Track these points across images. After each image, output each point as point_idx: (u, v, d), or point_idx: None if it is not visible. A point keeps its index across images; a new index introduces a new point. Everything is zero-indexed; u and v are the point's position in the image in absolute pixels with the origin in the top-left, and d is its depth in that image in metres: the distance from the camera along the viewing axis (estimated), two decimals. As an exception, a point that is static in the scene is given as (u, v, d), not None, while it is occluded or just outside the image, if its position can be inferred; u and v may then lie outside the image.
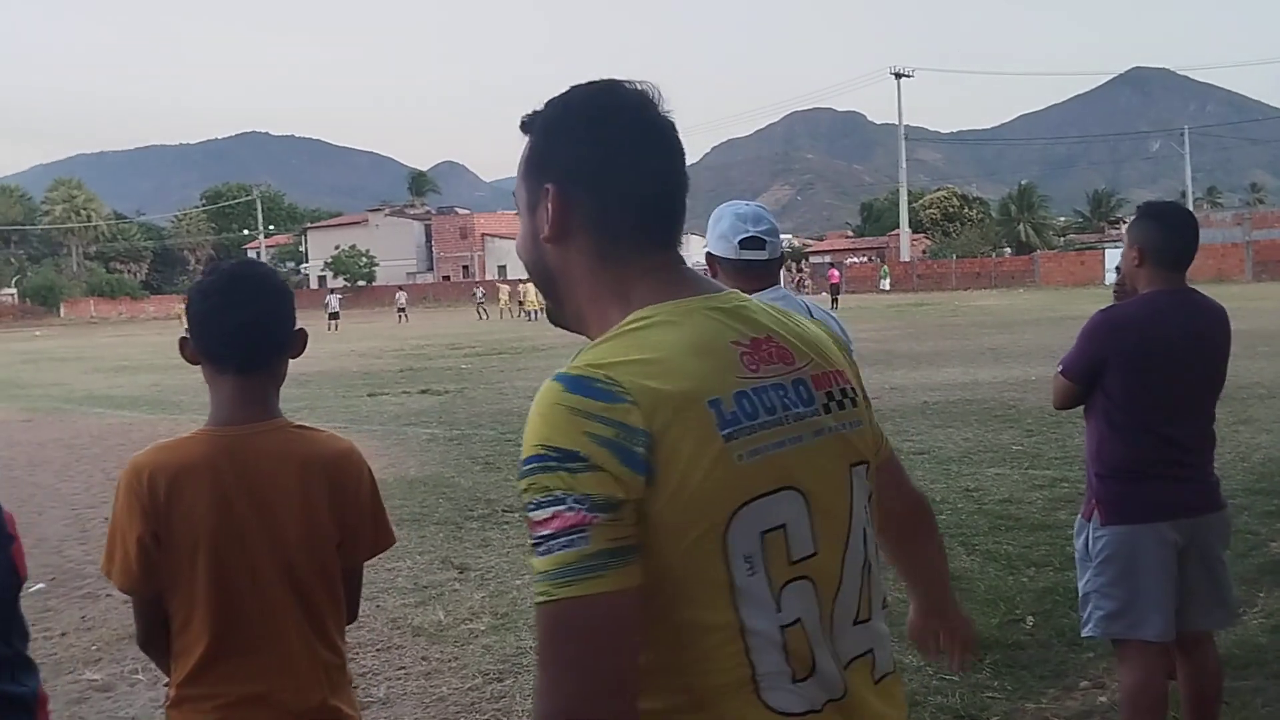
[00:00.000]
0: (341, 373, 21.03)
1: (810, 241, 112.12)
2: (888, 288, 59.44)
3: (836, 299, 44.34)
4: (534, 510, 1.21)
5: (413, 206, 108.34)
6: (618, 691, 1.18)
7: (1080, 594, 3.38)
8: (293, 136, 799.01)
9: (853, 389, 1.42)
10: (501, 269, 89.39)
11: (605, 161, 1.35)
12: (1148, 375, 3.19)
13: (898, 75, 68.03)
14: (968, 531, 6.73)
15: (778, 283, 2.99)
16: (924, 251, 76.95)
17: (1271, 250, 51.49)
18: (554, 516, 1.18)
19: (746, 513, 1.25)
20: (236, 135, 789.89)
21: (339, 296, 45.83)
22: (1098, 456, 3.32)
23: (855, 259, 74.91)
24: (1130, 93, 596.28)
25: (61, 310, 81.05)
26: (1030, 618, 5.10)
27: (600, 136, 1.36)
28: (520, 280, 47.06)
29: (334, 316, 42.22)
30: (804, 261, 75.65)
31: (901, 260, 66.92)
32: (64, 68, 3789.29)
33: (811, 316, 2.71)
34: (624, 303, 1.35)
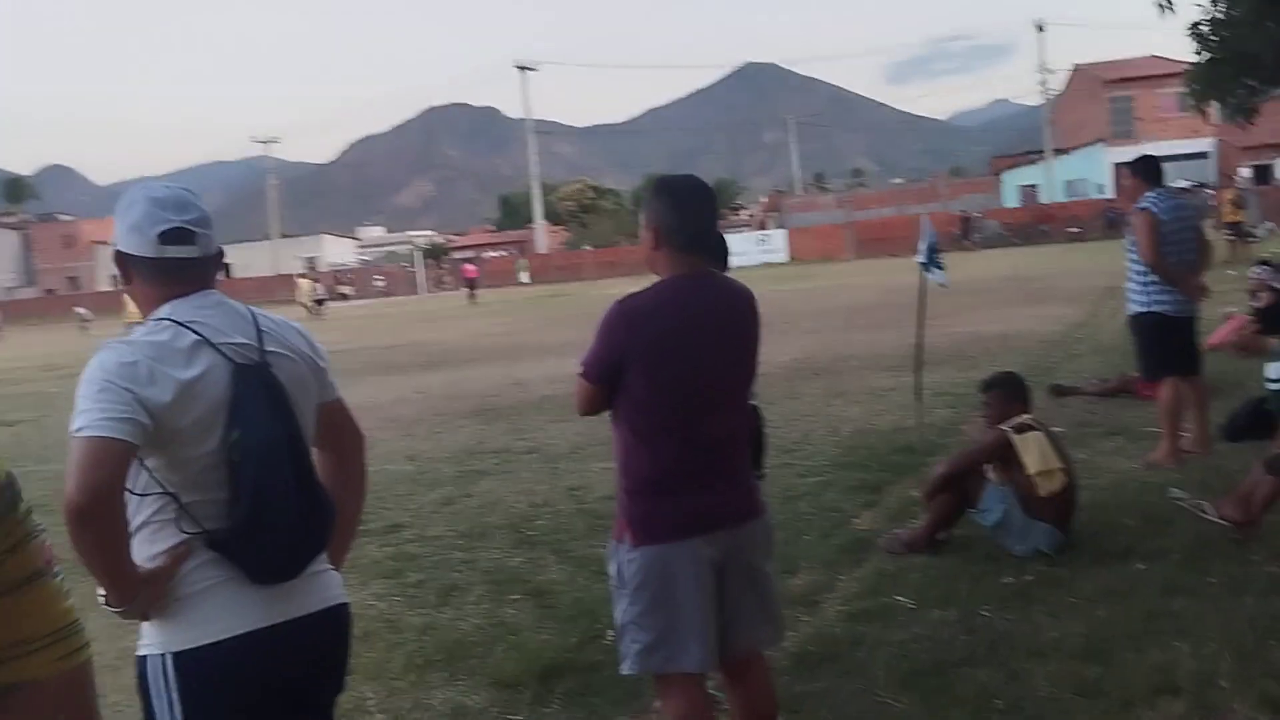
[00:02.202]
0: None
1: (453, 237, 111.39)
2: (527, 280, 59.63)
3: (474, 293, 43.84)
4: None
5: (10, 214, 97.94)
6: None
7: (617, 625, 2.96)
8: None
9: None
10: (115, 278, 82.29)
11: None
12: (668, 371, 2.81)
13: (523, 69, 68.41)
14: (564, 536, 6.36)
15: (211, 286, 2.31)
16: (562, 243, 78.17)
17: (870, 229, 55.95)
18: None
19: None
20: None
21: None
22: (625, 469, 2.91)
23: (495, 253, 74.82)
24: (745, 87, 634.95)
25: None
26: (611, 631, 4.73)
27: None
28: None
29: None
30: (444, 258, 74.70)
31: (538, 252, 67.47)
32: None
33: (255, 318, 2.31)
34: None
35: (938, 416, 8.84)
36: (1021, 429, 5.42)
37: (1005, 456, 5.41)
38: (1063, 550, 5.20)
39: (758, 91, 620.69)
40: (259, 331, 2.27)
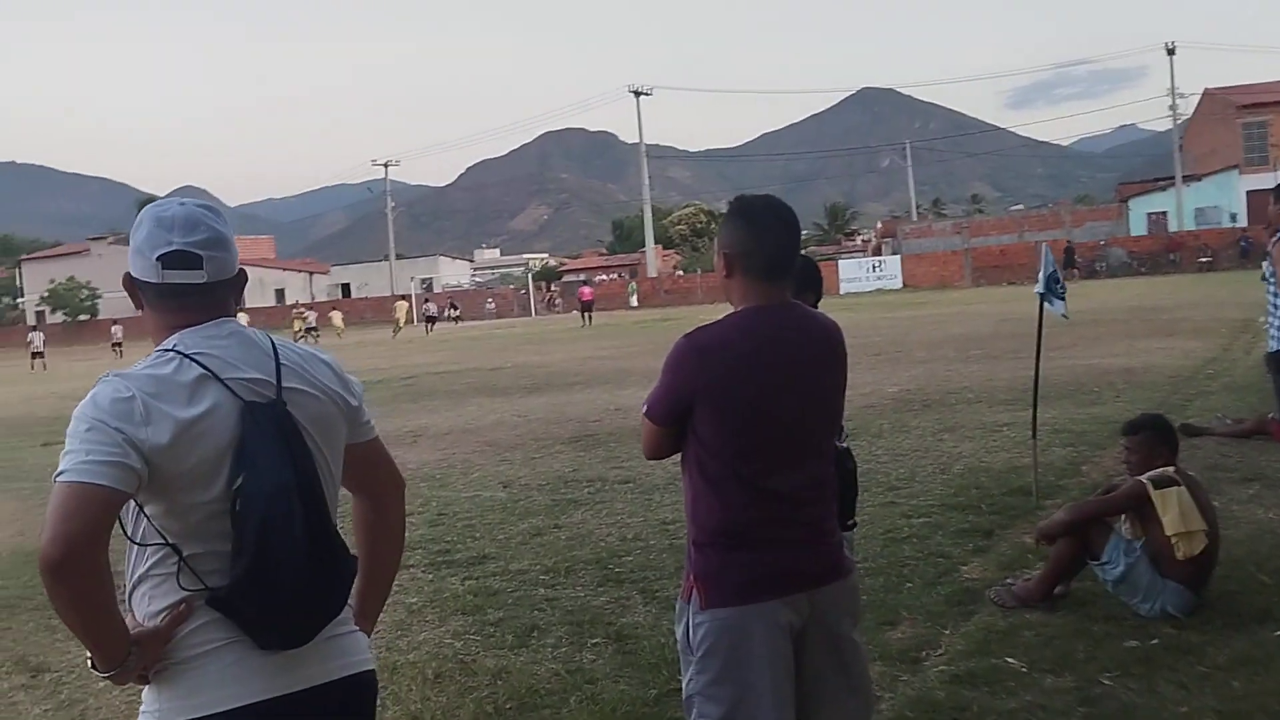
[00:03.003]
0: (25, 418, 18.85)
1: (566, 260, 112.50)
2: (636, 304, 59.73)
3: (588, 316, 43.89)
4: None
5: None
6: None
7: (684, 695, 2.66)
8: (13, 163, 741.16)
9: None
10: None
11: None
12: (740, 413, 2.51)
13: (637, 93, 68.68)
14: (652, 574, 6.07)
15: (229, 314, 2.09)
16: (674, 267, 78.16)
17: (987, 256, 54.63)
18: None
19: None
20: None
21: (41, 334, 42.17)
22: (694, 519, 2.61)
23: (605, 276, 75.12)
24: (861, 111, 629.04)
25: None
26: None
27: None
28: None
29: (37, 355, 38.77)
30: (555, 281, 75.28)
31: (649, 276, 67.50)
32: None
33: (276, 351, 2.08)
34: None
35: (1056, 456, 8.34)
36: (1164, 482, 4.89)
37: (1141, 510, 4.92)
38: (1193, 612, 4.73)
39: (874, 116, 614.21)
40: (277, 365, 2.04)
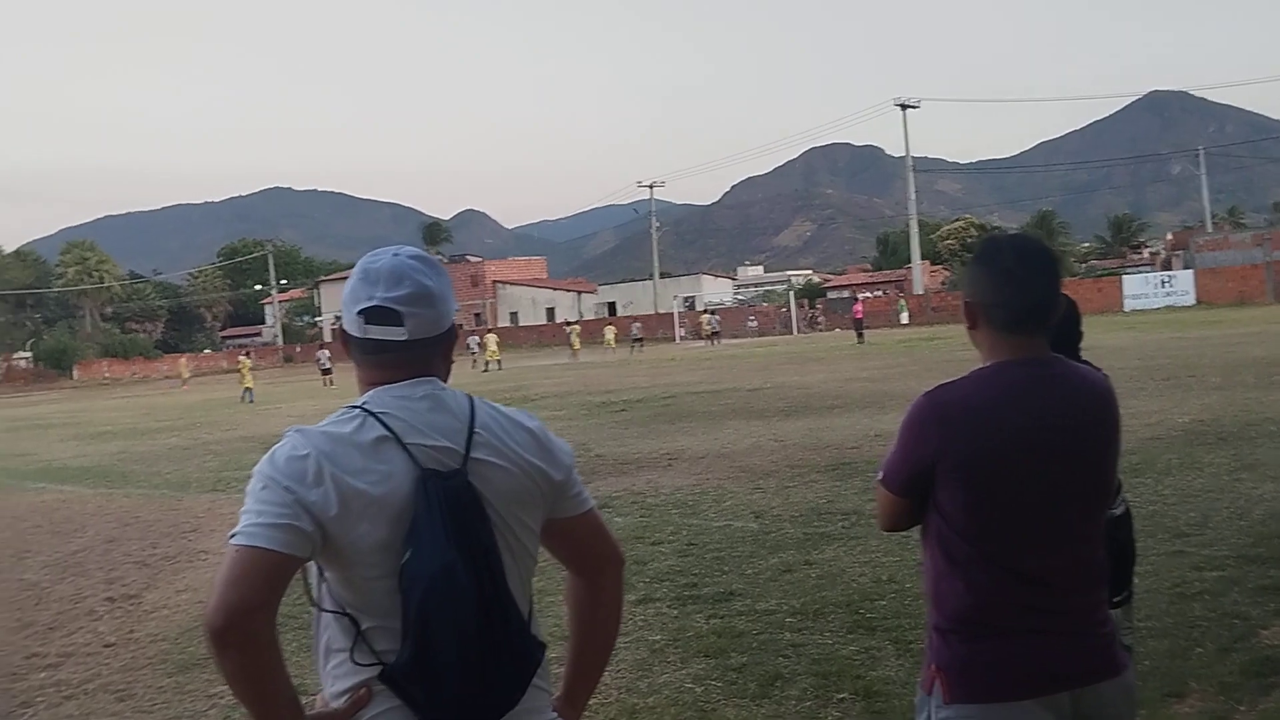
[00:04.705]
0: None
1: (830, 276, 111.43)
2: (906, 320, 58.33)
3: (861, 334, 43.03)
4: None
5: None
6: None
7: (927, 799, 2.36)
8: (315, 191, 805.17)
9: None
10: (514, 315, 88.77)
11: None
12: (988, 484, 2.21)
13: (903, 106, 67.07)
14: (907, 623, 5.70)
15: (431, 374, 1.98)
16: (942, 283, 75.82)
17: (1294, 270, 49.93)
18: None
19: None
20: (260, 191, 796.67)
21: (328, 352, 44.80)
22: (935, 601, 2.32)
23: (869, 293, 73.69)
24: (1149, 116, 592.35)
25: (74, 372, 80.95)
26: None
27: None
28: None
29: (326, 372, 41.53)
30: (819, 298, 74.47)
31: (916, 293, 65.70)
32: (89, 131, 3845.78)
33: (473, 417, 1.93)
34: None
35: (1379, 503, 7.35)
36: None
37: None
38: None
39: (1164, 120, 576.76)
40: (470, 433, 1.90)
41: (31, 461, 19.42)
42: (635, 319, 63.10)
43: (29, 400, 52.81)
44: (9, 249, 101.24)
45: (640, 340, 52.99)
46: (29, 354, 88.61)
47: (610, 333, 53.21)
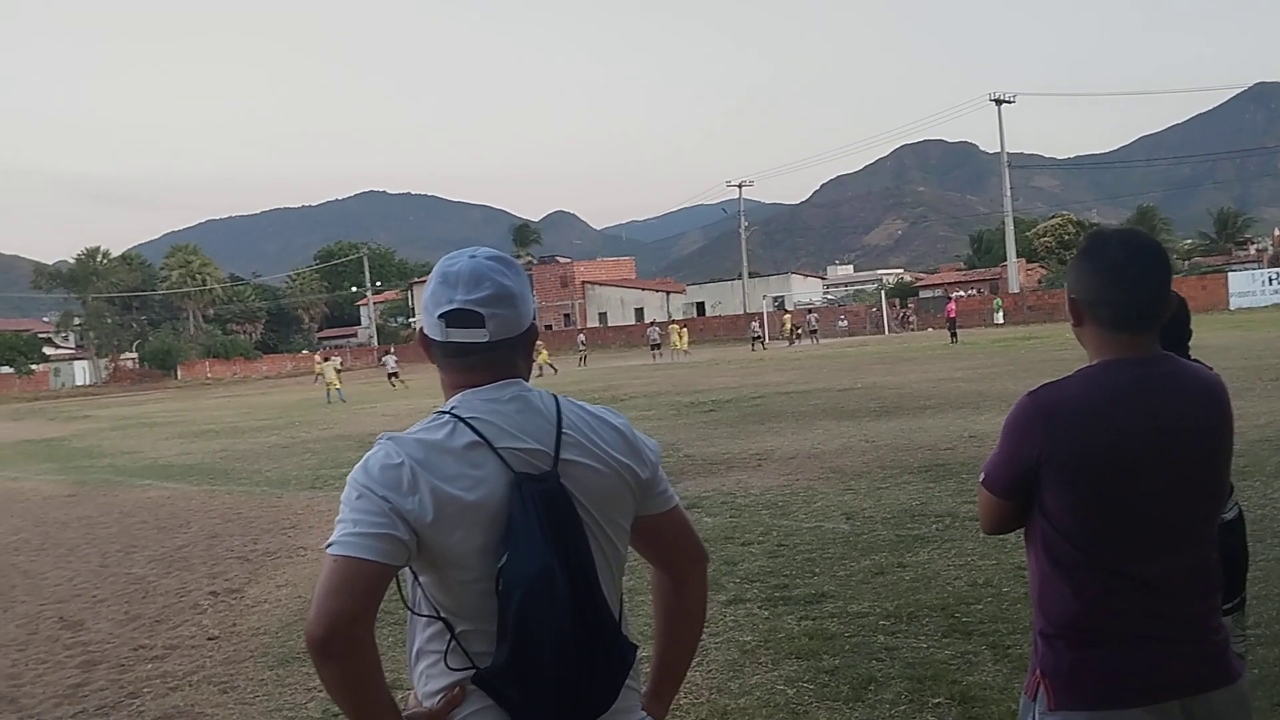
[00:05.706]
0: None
1: (922, 275, 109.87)
2: (1001, 320, 57.25)
3: (955, 334, 42.38)
4: None
5: (517, 257, 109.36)
6: None
7: (1028, 809, 2.30)
8: (409, 194, 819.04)
9: None
10: (602, 316, 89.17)
11: None
12: (1095, 487, 2.14)
13: (998, 101, 65.73)
14: (1004, 628, 5.59)
15: (516, 374, 1.98)
16: (1039, 281, 74.31)
17: None
18: None
19: None
20: (356, 195, 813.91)
21: (395, 356, 44.73)
22: (1041, 606, 2.26)
23: (963, 292, 72.48)
24: (1255, 108, 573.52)
25: (178, 373, 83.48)
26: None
27: None
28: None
29: (393, 375, 42.00)
30: (911, 298, 73.46)
31: (1011, 291, 64.43)
32: (193, 139, 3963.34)
33: (560, 417, 1.93)
34: None
35: None
36: None
37: None
38: None
39: (1271, 113, 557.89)
40: (558, 434, 1.90)
41: (138, 459, 20.05)
42: (754, 317, 62.86)
43: (135, 399, 54.52)
44: (116, 253, 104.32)
45: (759, 338, 54.08)
46: (135, 355, 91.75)
47: (682, 334, 51.78)
